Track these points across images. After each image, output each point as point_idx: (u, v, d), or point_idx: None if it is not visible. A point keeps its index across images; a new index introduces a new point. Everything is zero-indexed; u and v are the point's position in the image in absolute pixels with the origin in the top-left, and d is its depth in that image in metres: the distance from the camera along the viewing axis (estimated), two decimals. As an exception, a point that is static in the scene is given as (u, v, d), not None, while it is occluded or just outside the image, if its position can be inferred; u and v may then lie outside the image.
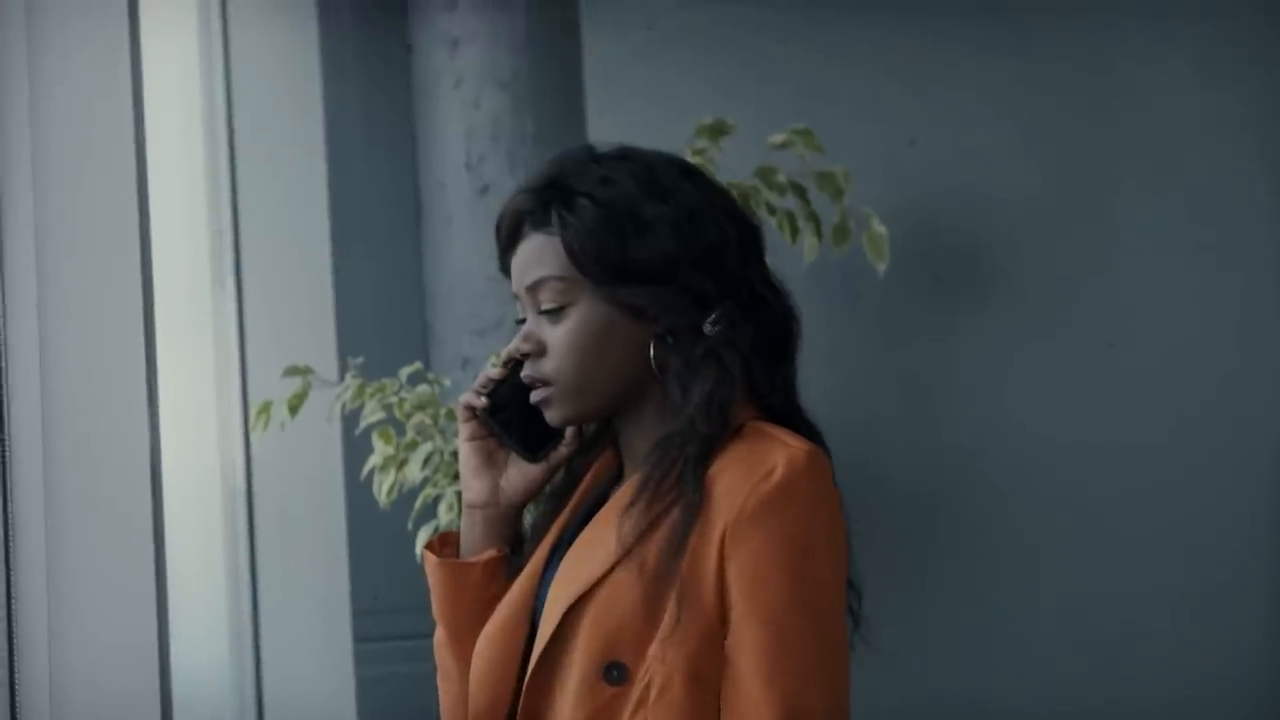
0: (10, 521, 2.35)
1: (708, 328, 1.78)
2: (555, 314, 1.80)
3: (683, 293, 1.77)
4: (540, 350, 1.81)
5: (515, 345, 1.82)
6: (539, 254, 1.80)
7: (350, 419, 3.11)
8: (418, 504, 2.95)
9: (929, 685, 3.21)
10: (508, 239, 1.84)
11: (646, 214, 1.77)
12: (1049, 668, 3.27)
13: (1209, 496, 3.26)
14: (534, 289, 1.81)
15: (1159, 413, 3.28)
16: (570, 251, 1.78)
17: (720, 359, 1.77)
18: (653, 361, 1.78)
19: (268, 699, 3.37)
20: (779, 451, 1.72)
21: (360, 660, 3.38)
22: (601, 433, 1.91)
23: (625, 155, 1.82)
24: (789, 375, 1.83)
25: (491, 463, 1.88)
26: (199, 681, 3.22)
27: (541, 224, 1.80)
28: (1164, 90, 3.29)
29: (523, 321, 1.84)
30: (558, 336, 1.79)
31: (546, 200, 1.80)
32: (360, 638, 3.39)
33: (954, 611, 3.31)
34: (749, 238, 1.83)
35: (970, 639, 3.30)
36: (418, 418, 2.93)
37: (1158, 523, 3.27)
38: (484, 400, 1.86)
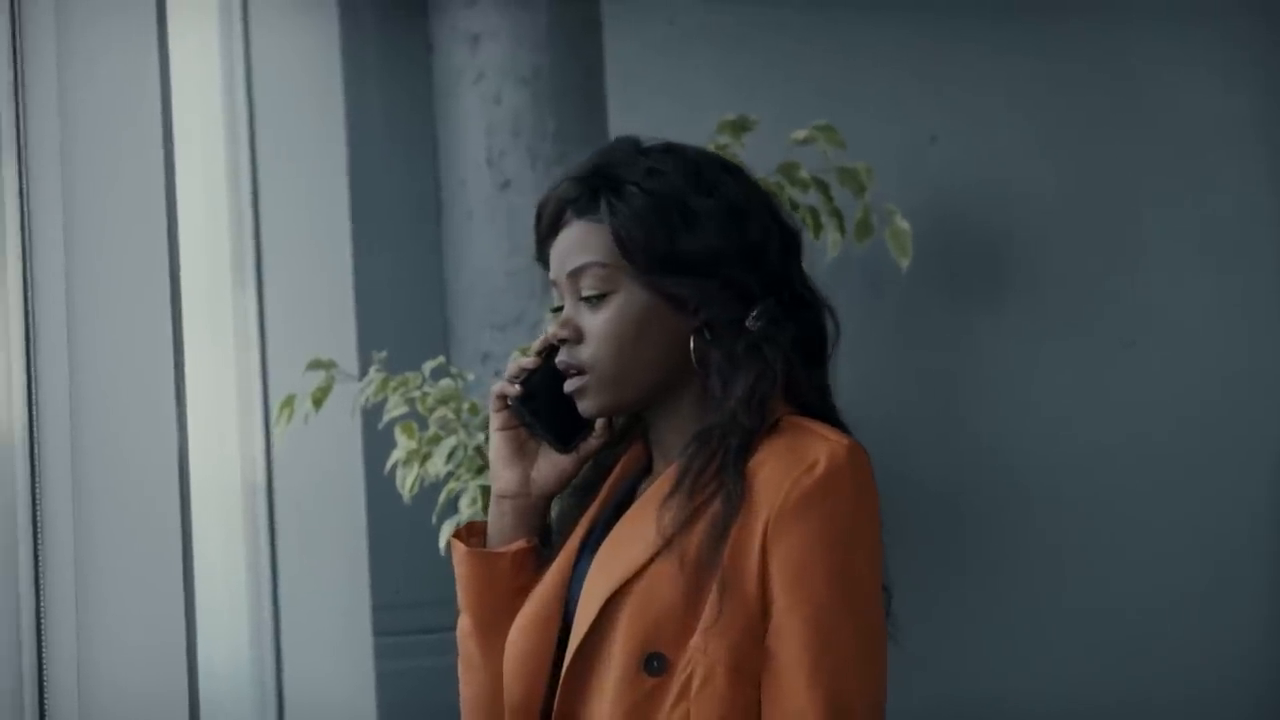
0: (39, 521, 2.36)
1: (750, 322, 1.79)
2: (596, 301, 1.81)
3: (726, 287, 1.79)
4: (578, 337, 1.82)
5: (553, 332, 1.84)
6: (583, 241, 1.82)
7: (369, 414, 3.11)
8: (441, 498, 2.96)
9: (950, 681, 3.21)
10: (549, 226, 1.86)
11: (694, 206, 1.79)
12: (1070, 664, 3.27)
13: (1231, 494, 3.26)
14: (576, 275, 1.82)
15: (1179, 410, 3.28)
16: (618, 238, 1.79)
17: (762, 354, 1.79)
18: (693, 354, 1.80)
19: (288, 692, 3.37)
20: (820, 445, 1.74)
21: (380, 654, 3.38)
22: (630, 426, 1.92)
23: (670, 149, 1.85)
24: (823, 375, 1.85)
25: (523, 453, 1.89)
26: (219, 675, 3.23)
27: (586, 211, 1.82)
28: (1184, 90, 3.29)
29: (558, 310, 1.85)
30: (597, 324, 1.81)
31: (593, 188, 1.82)
32: (380, 632, 3.39)
33: (974, 608, 3.31)
34: (789, 238, 1.85)
35: (990, 635, 3.30)
36: (440, 412, 2.94)
37: (1179, 520, 3.27)
38: (517, 389, 1.87)
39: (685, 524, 1.73)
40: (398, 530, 3.28)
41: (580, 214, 1.83)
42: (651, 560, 1.73)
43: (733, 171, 1.86)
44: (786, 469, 1.72)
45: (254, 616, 3.38)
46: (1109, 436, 3.29)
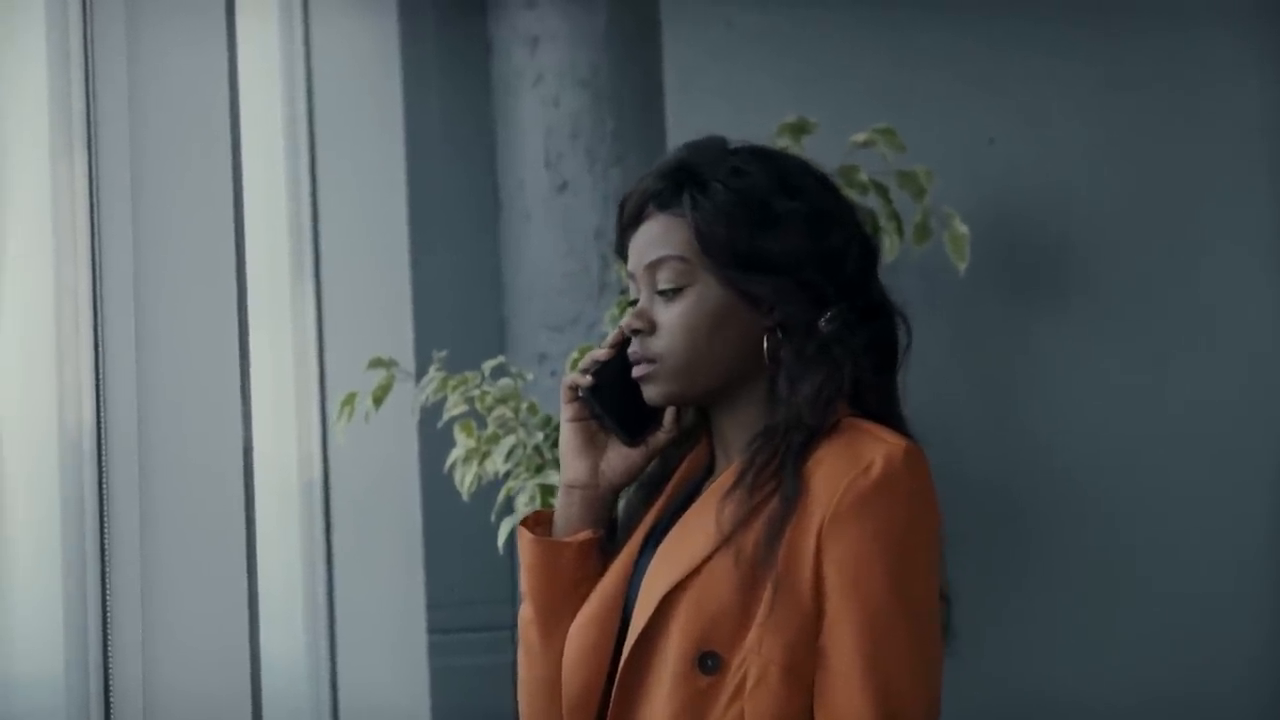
0: (106, 517, 2.37)
1: (823, 325, 1.80)
2: (672, 294, 1.82)
3: (802, 288, 1.80)
4: (651, 328, 1.83)
5: (626, 322, 1.84)
6: (663, 234, 1.83)
7: (426, 412, 3.12)
8: (500, 496, 2.97)
9: (1005, 676, 3.21)
10: (630, 218, 1.87)
11: (777, 207, 1.81)
12: (1127, 663, 3.27)
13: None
14: (654, 267, 1.83)
15: (1239, 414, 3.27)
16: (699, 233, 1.80)
17: (832, 356, 1.79)
18: (765, 353, 1.81)
19: (343, 689, 3.39)
20: (877, 447, 1.74)
21: (434, 652, 3.39)
22: (697, 426, 1.93)
23: (758, 151, 1.86)
24: (892, 383, 1.86)
25: (593, 444, 1.90)
26: (275, 670, 3.23)
27: (669, 205, 1.83)
28: (1246, 90, 3.28)
29: (633, 304, 1.86)
30: (671, 316, 1.81)
31: (678, 182, 1.83)
32: (434, 630, 3.41)
33: (1029, 609, 3.32)
34: (868, 248, 1.86)
35: (1051, 637, 3.31)
36: (499, 411, 2.95)
37: (1241, 523, 3.27)
38: (588, 379, 1.88)
39: (744, 521, 1.73)
40: (453, 529, 3.30)
41: (662, 207, 1.84)
42: (710, 557, 1.74)
43: (819, 178, 1.87)
44: (843, 470, 1.73)
45: (310, 613, 3.39)
46: (1170, 438, 3.29)
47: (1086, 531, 3.31)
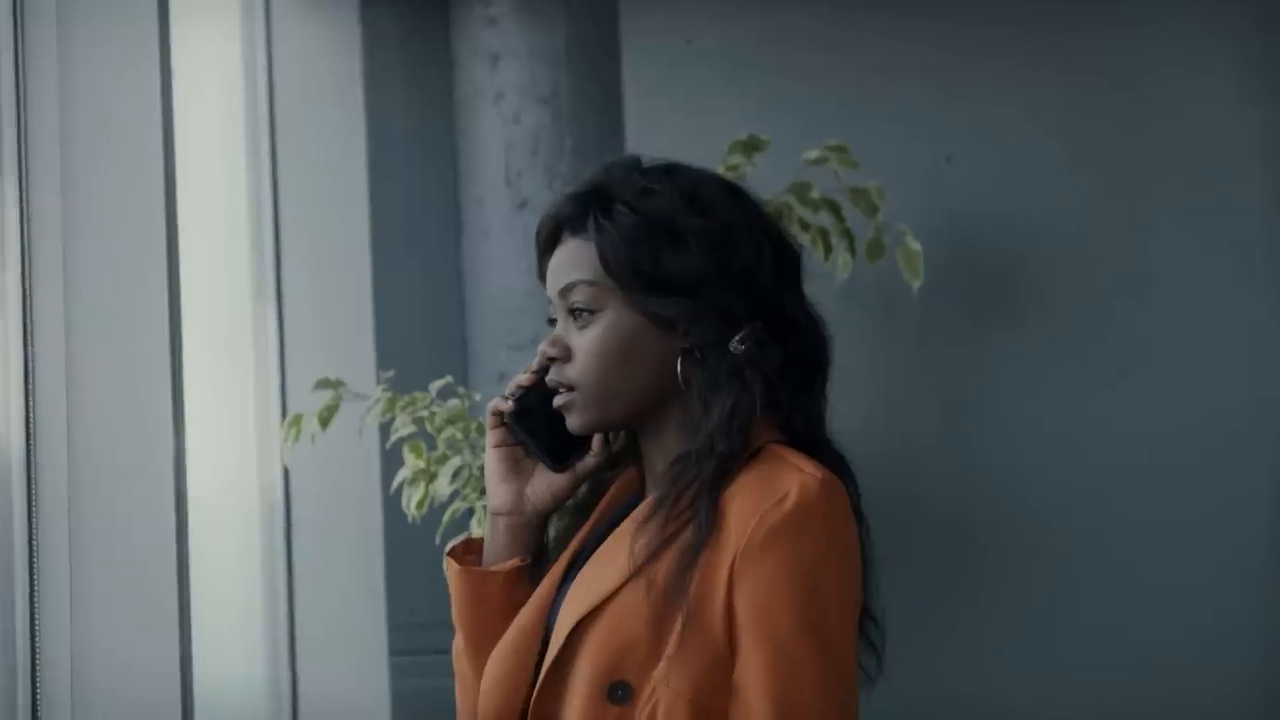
0: (35, 539, 2.36)
1: (734, 345, 1.77)
2: (584, 319, 1.80)
3: (712, 308, 1.77)
4: (566, 355, 1.81)
5: (543, 349, 1.83)
6: (574, 259, 1.81)
7: (388, 433, 3.11)
8: (445, 518, 2.95)
9: (962, 698, 3.20)
10: (546, 243, 1.85)
11: (682, 226, 1.78)
12: (1085, 686, 3.26)
13: (1247, 518, 3.25)
14: (565, 293, 1.81)
15: (1196, 434, 3.28)
16: (603, 257, 1.78)
17: (743, 377, 1.76)
18: (679, 376, 1.78)
19: (303, 711, 3.38)
20: (792, 477, 1.71)
21: (396, 674, 3.38)
22: (629, 449, 1.90)
23: (670, 169, 1.83)
24: (815, 402, 1.82)
25: (518, 470, 1.88)
26: (234, 694, 3.23)
27: (579, 229, 1.81)
28: (1204, 108, 3.29)
29: (554, 323, 1.84)
30: (584, 342, 1.80)
31: (586, 206, 1.81)
32: (396, 651, 3.39)
33: (985, 629, 3.31)
34: (787, 262, 1.82)
35: (1006, 657, 3.30)
36: (448, 432, 2.93)
37: (1194, 544, 3.27)
38: (511, 405, 1.85)
39: (656, 551, 1.71)
40: (414, 550, 3.27)
41: (574, 232, 1.82)
42: (621, 587, 1.72)
43: (735, 194, 1.83)
44: (757, 502, 1.70)
45: (270, 635, 3.38)
46: (1125, 458, 3.29)
47: (1043, 548, 3.32)
